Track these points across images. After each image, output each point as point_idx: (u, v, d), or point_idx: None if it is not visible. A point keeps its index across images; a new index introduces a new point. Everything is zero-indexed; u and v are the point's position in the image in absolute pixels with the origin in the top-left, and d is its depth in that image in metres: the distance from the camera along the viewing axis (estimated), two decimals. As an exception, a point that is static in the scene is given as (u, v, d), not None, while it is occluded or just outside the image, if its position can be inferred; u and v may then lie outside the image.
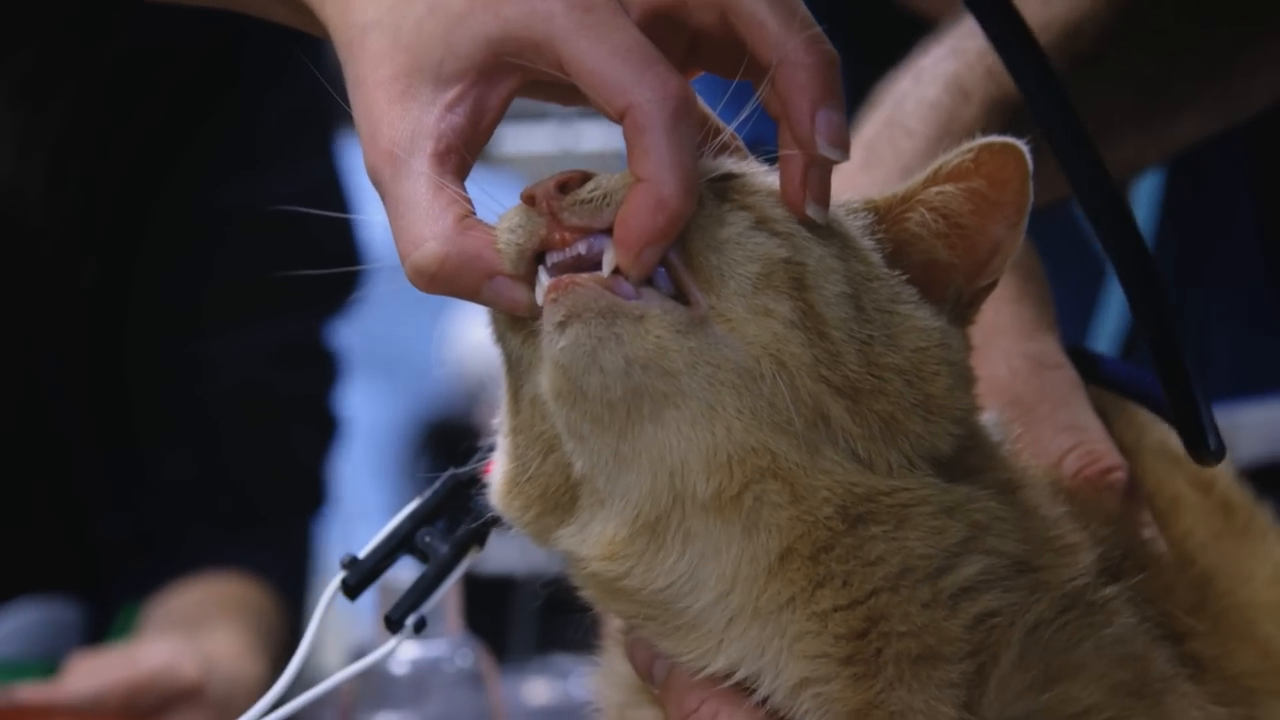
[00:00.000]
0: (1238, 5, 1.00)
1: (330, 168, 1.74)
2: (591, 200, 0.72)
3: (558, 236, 0.72)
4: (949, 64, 0.94)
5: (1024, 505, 0.77)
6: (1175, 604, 0.83)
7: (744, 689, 0.74)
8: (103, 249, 1.65)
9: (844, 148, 0.73)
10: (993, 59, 0.93)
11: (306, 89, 1.72)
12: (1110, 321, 1.46)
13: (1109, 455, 0.85)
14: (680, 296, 0.72)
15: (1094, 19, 0.94)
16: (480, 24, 0.73)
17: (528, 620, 2.41)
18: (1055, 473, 0.83)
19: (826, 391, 0.72)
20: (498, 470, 0.78)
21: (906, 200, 0.78)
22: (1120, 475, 0.84)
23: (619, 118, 0.71)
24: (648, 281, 0.72)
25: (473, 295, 0.73)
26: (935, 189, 0.78)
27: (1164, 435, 0.93)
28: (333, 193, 1.72)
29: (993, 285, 0.79)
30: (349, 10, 0.76)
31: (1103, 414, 0.88)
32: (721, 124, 0.79)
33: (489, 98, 0.74)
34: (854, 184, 0.80)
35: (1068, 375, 0.87)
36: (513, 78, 0.74)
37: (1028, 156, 0.76)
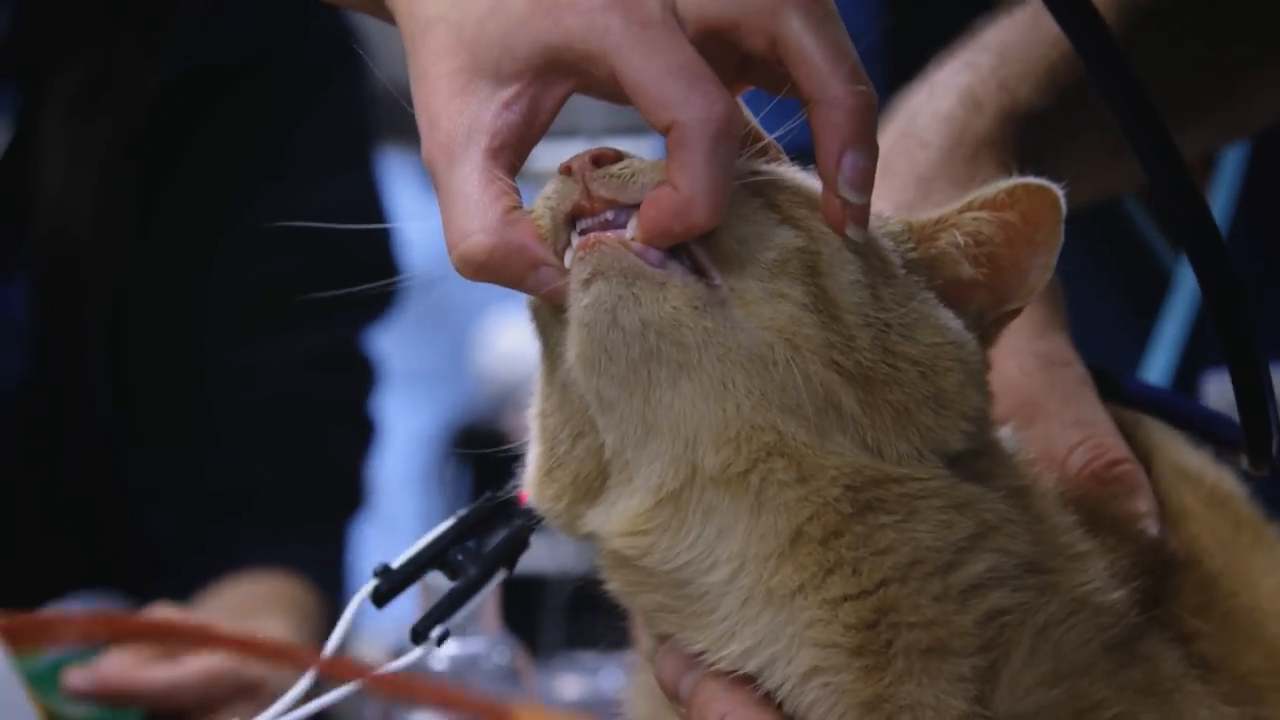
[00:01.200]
0: (1244, 25, 1.01)
1: (369, 181, 1.75)
2: (620, 176, 0.75)
3: (587, 203, 0.75)
4: (963, 77, 0.95)
5: (1035, 511, 0.78)
6: (1182, 606, 0.84)
7: (764, 695, 0.75)
8: (146, 258, 1.66)
9: (865, 190, 0.74)
10: (1005, 72, 0.94)
11: (347, 103, 1.74)
12: (1166, 348, 1.47)
13: (1116, 449, 0.85)
14: (701, 275, 0.74)
15: None
16: (540, 29, 0.75)
17: (557, 618, 2.41)
18: (1065, 475, 0.84)
19: (838, 379, 0.74)
20: (530, 458, 0.80)
21: (940, 222, 0.80)
22: (1127, 468, 0.85)
23: (664, 131, 0.73)
24: (673, 255, 0.74)
25: (518, 284, 0.75)
26: (970, 215, 0.80)
27: (1178, 453, 0.94)
28: (371, 205, 1.73)
29: (1016, 312, 0.81)
30: (415, 3, 0.78)
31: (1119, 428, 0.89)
32: (763, 132, 0.81)
33: (544, 99, 0.76)
34: None
35: (1077, 372, 0.88)
36: (568, 81, 0.76)
37: (1062, 200, 0.78)
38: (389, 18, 0.80)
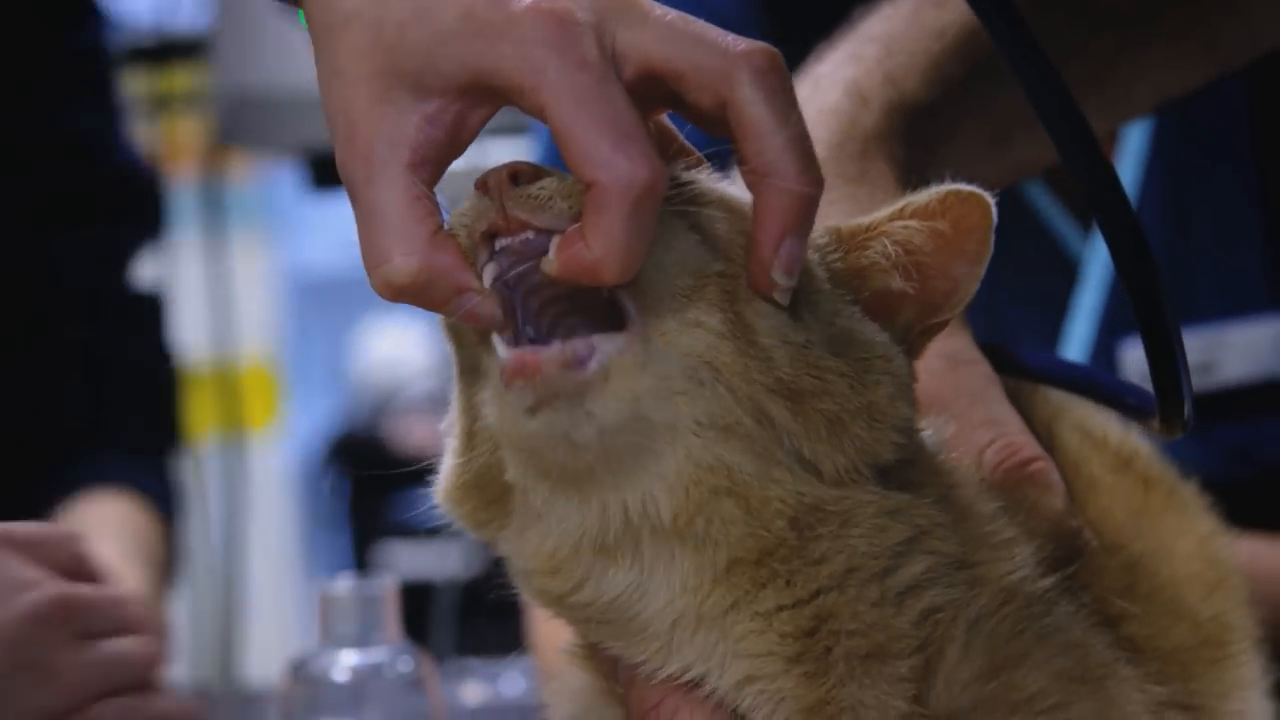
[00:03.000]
0: (1122, 8, 0.99)
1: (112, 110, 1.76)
2: (537, 198, 0.71)
3: (504, 224, 0.71)
4: (847, 70, 0.92)
5: (960, 507, 0.77)
6: (1107, 589, 0.83)
7: (699, 686, 0.74)
8: None
9: (794, 275, 0.72)
10: (891, 64, 0.91)
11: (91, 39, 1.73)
12: (1081, 329, 1.46)
13: (1028, 447, 0.84)
14: (611, 304, 0.71)
15: None
16: (469, 50, 0.71)
17: (448, 624, 2.39)
18: (980, 468, 0.83)
19: (762, 391, 0.72)
20: (444, 467, 0.77)
21: (870, 230, 0.78)
22: (1040, 465, 0.84)
23: (585, 188, 0.69)
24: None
25: (441, 308, 0.71)
26: (900, 223, 0.77)
27: (1080, 416, 0.92)
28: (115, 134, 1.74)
29: (944, 324, 0.79)
30: None
31: (1018, 397, 0.88)
32: (689, 145, 0.78)
33: (468, 117, 0.72)
34: None
35: (982, 370, 0.86)
36: (493, 104, 0.72)
37: (993, 208, 0.76)
38: (294, 3, 0.76)
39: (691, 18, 0.73)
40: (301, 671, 1.21)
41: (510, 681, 1.85)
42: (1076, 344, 1.51)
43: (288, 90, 2.42)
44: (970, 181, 0.77)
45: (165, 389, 1.78)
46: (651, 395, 0.70)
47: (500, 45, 0.70)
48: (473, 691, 1.84)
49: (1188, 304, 1.27)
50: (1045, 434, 0.88)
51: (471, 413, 0.75)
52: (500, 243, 0.72)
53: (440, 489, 0.77)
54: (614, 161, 0.69)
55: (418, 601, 2.40)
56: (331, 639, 1.21)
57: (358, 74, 0.72)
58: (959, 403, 0.83)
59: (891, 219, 0.77)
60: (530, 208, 0.71)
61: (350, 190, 0.72)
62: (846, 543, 0.72)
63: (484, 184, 0.72)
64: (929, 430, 0.79)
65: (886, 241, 0.77)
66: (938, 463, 0.78)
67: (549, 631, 1.37)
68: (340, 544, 3.19)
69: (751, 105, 0.72)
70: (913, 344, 0.78)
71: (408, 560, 2.93)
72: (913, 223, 0.77)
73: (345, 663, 1.20)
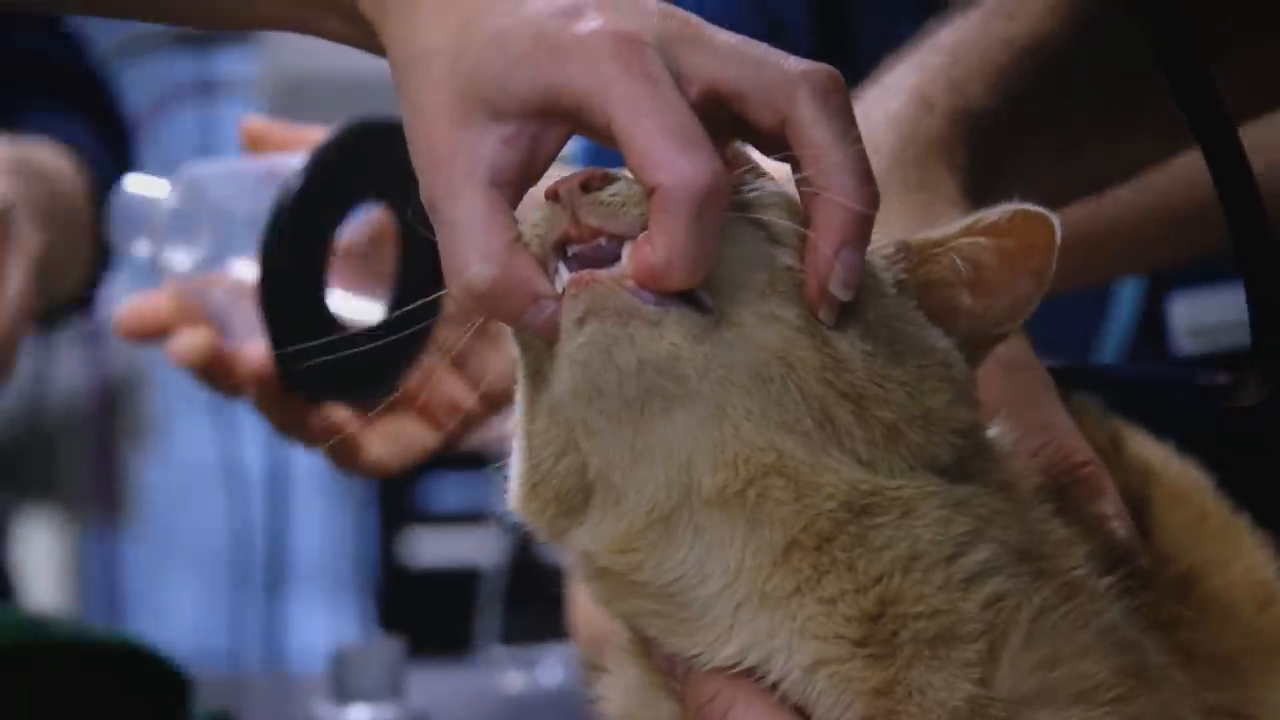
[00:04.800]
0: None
1: None
2: (610, 204, 0.72)
3: (576, 232, 0.72)
4: (912, 78, 0.93)
5: (1023, 502, 0.77)
6: (1160, 594, 0.83)
7: (759, 677, 0.74)
8: None
9: (855, 286, 0.73)
10: (955, 72, 0.92)
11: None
12: (1116, 334, 1.46)
13: (1079, 451, 0.84)
14: (693, 298, 0.72)
15: (1056, 35, 0.94)
16: (539, 70, 0.72)
17: (492, 612, 2.39)
18: (1039, 473, 0.83)
19: (833, 394, 0.72)
20: (514, 472, 0.78)
21: (940, 244, 0.79)
22: (1092, 470, 0.84)
23: (650, 192, 0.71)
24: None
25: (516, 318, 0.72)
26: (969, 239, 0.78)
27: (1139, 445, 0.94)
28: None
29: (1003, 337, 0.80)
30: (413, 36, 0.75)
31: (1081, 429, 0.88)
32: (762, 168, 0.78)
33: (544, 139, 0.73)
34: None
35: (1038, 375, 0.86)
36: (565, 124, 0.73)
37: (1057, 228, 0.77)
38: (378, 50, 0.78)
39: (752, 40, 0.75)
40: None
41: (549, 670, 1.85)
42: (1124, 305, 1.50)
43: (338, 75, 2.42)
44: (1036, 193, 0.78)
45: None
46: (699, 367, 0.71)
47: (568, 64, 0.72)
48: (512, 680, 1.84)
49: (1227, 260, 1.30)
50: (1107, 464, 0.88)
51: (534, 416, 0.75)
52: (572, 249, 0.72)
53: (513, 494, 0.78)
54: (677, 164, 0.70)
55: (464, 590, 2.40)
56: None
57: (437, 105, 0.73)
58: (1014, 406, 0.83)
59: (961, 235, 0.78)
60: (602, 215, 0.72)
61: (433, 211, 0.73)
62: (910, 531, 0.73)
63: (555, 193, 0.73)
64: (995, 431, 0.80)
65: (956, 257, 0.78)
66: (1001, 460, 0.79)
67: (588, 619, 1.37)
68: (368, 528, 3.18)
69: (812, 122, 0.73)
70: (973, 354, 0.79)
71: (438, 548, 2.93)
72: (981, 240, 0.78)
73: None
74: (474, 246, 0.72)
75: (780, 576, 0.72)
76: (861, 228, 0.73)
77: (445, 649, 2.08)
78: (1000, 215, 0.78)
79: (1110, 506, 0.84)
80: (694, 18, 0.75)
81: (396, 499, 3.04)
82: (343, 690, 1.24)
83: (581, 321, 0.71)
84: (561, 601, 1.50)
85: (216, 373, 1.18)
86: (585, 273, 0.71)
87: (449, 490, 3.00)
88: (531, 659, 1.90)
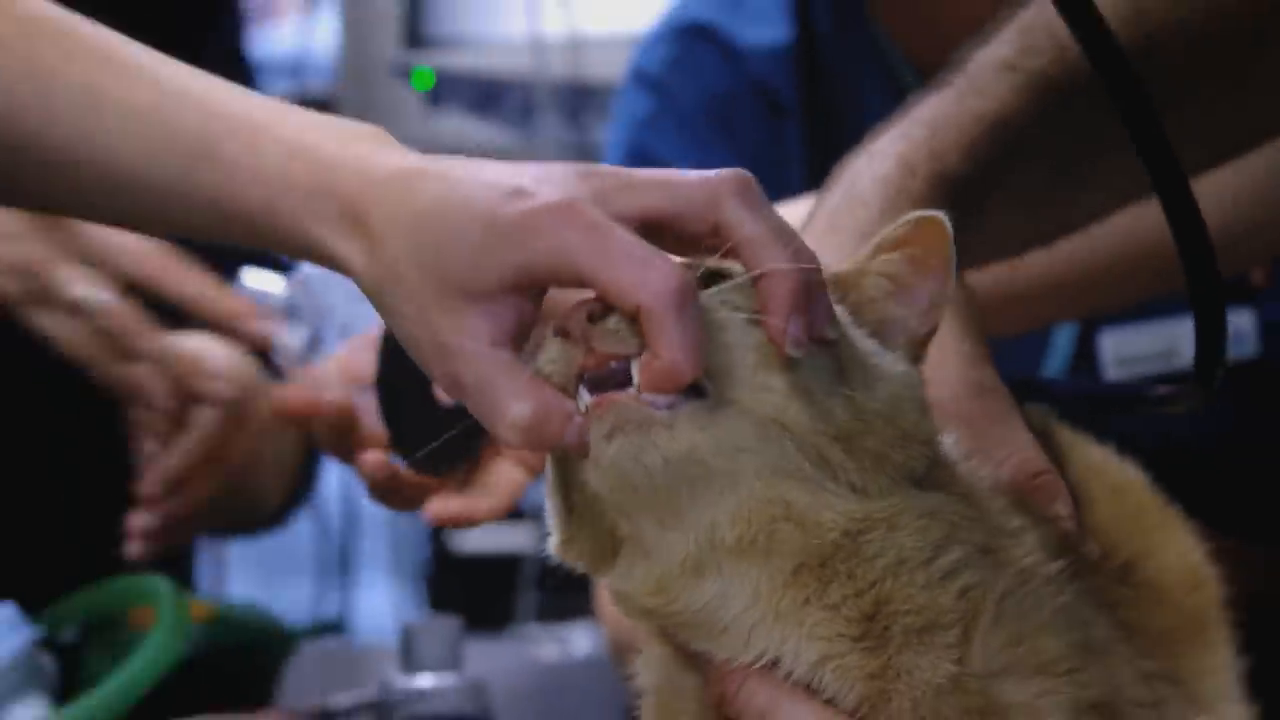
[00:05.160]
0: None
1: None
2: (617, 331, 0.72)
3: (593, 361, 0.72)
4: (898, 145, 0.94)
5: (979, 502, 0.78)
6: (1105, 577, 0.85)
7: (774, 668, 0.75)
8: None
9: (805, 347, 0.73)
10: (935, 143, 0.94)
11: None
12: (1056, 361, 1.47)
13: (1038, 461, 0.86)
14: (696, 388, 0.72)
15: (1021, 111, 0.95)
16: (502, 256, 0.72)
17: (530, 593, 2.39)
18: (997, 476, 0.84)
19: (824, 440, 0.73)
20: (553, 529, 0.78)
21: (860, 271, 0.80)
22: (1048, 477, 0.85)
23: (633, 315, 0.71)
24: None
25: (557, 439, 0.72)
26: (882, 258, 0.80)
27: (1086, 450, 0.95)
28: None
29: (935, 330, 0.81)
30: (376, 255, 0.74)
31: (1038, 435, 0.90)
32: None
33: (525, 305, 0.73)
34: (819, 246, 0.80)
35: (1003, 397, 0.88)
36: (541, 289, 0.73)
37: (948, 225, 0.79)
38: (342, 269, 0.76)
39: (669, 170, 0.75)
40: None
41: (579, 643, 1.86)
42: (1061, 338, 1.52)
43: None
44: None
45: None
46: (711, 450, 0.72)
47: (526, 244, 0.71)
48: (548, 651, 1.85)
49: (1152, 302, 1.31)
50: (1057, 465, 0.89)
51: (568, 486, 0.75)
52: (588, 375, 0.72)
53: (554, 543, 0.78)
54: (646, 281, 0.70)
55: (505, 573, 2.41)
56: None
57: (421, 306, 0.72)
58: (982, 424, 0.85)
59: (873, 255, 0.80)
60: (613, 342, 0.72)
61: (456, 388, 0.73)
62: (895, 541, 0.74)
63: (565, 331, 0.73)
64: (950, 439, 0.81)
65: (875, 276, 0.80)
66: (958, 466, 0.80)
67: (612, 607, 1.37)
68: (421, 522, 3.17)
69: (739, 221, 0.73)
70: (915, 353, 0.80)
71: (482, 537, 2.93)
72: (891, 256, 0.79)
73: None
74: (505, 393, 0.71)
75: (792, 593, 0.73)
76: (802, 293, 0.73)
77: (489, 626, 2.09)
78: (899, 229, 0.79)
79: (1063, 508, 0.85)
80: (609, 168, 0.75)
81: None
82: (411, 661, 1.24)
83: (609, 437, 0.71)
84: (589, 585, 1.51)
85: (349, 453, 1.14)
86: (606, 396, 0.71)
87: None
88: (564, 634, 1.91)
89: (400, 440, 1.10)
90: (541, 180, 0.73)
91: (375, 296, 0.75)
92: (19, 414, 1.45)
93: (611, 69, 1.97)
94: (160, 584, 1.24)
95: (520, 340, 0.73)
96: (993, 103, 0.94)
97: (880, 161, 0.94)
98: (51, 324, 1.28)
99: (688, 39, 1.65)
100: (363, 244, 0.75)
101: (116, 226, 0.88)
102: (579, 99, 2.83)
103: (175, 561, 1.47)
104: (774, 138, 1.62)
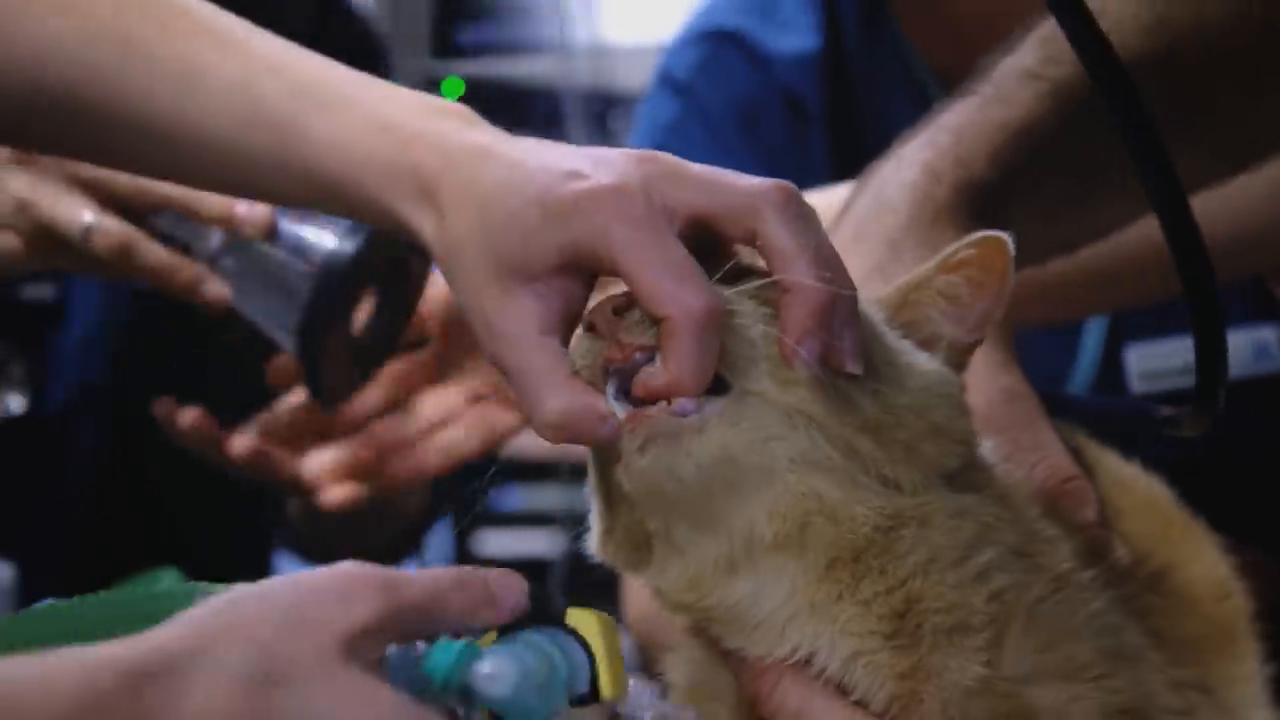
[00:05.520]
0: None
1: None
2: (642, 323, 0.73)
3: (620, 354, 0.73)
4: (924, 152, 0.95)
5: (1015, 508, 0.79)
6: (1136, 586, 0.85)
7: (807, 665, 0.75)
8: None
9: (810, 369, 0.73)
10: (960, 150, 0.94)
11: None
12: (1092, 338, 1.47)
13: (1068, 468, 0.87)
14: (724, 389, 0.73)
15: (1044, 119, 0.96)
16: (552, 236, 0.74)
17: (558, 595, 2.39)
18: (1034, 486, 0.85)
19: (851, 430, 0.74)
20: (593, 525, 0.79)
21: (917, 287, 0.81)
22: (1078, 483, 0.86)
23: (657, 322, 0.72)
24: None
25: (590, 438, 0.73)
26: (942, 278, 0.80)
27: (1114, 464, 0.95)
28: None
29: (980, 341, 0.82)
30: (445, 228, 0.77)
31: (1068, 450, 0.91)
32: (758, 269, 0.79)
33: (574, 286, 0.75)
34: (846, 252, 0.80)
35: (1034, 403, 0.89)
36: (588, 271, 0.75)
37: (1010, 246, 0.79)
38: (417, 241, 0.79)
39: (722, 170, 0.76)
40: None
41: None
42: (1088, 351, 1.52)
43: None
44: (1025, 250, 0.80)
45: None
46: (743, 445, 0.72)
47: (573, 224, 0.73)
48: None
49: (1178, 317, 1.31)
50: (1086, 475, 0.90)
51: (607, 483, 0.76)
52: (613, 367, 0.74)
53: (593, 543, 0.79)
54: (678, 297, 0.71)
55: (535, 576, 2.41)
56: None
57: (478, 283, 0.75)
58: (1013, 430, 0.86)
59: (936, 272, 0.80)
60: (636, 333, 0.73)
61: (498, 364, 0.75)
62: (927, 540, 0.74)
63: (592, 325, 0.74)
64: (988, 445, 0.81)
65: (933, 294, 0.80)
66: (994, 470, 0.80)
67: (638, 607, 1.38)
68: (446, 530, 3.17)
69: (774, 232, 0.74)
70: (957, 362, 0.81)
71: (507, 542, 2.94)
72: (954, 277, 0.80)
73: None
74: (543, 387, 0.73)
75: (826, 588, 0.74)
76: (822, 314, 0.73)
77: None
78: (962, 249, 0.80)
79: (1092, 514, 0.85)
80: (667, 156, 0.76)
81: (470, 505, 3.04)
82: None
83: (643, 450, 0.72)
84: (614, 590, 1.51)
85: None
86: (639, 411, 0.72)
87: (516, 495, 3.02)
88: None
89: (312, 376, 1.16)
90: (599, 163, 0.75)
91: (442, 266, 0.78)
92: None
93: (637, 78, 1.97)
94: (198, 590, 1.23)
95: (569, 326, 0.75)
96: (1017, 110, 0.94)
97: (906, 168, 0.95)
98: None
99: (715, 44, 1.65)
100: (434, 218, 0.77)
101: (212, 191, 0.91)
102: (605, 107, 2.84)
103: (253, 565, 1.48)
104: (798, 143, 1.63)
